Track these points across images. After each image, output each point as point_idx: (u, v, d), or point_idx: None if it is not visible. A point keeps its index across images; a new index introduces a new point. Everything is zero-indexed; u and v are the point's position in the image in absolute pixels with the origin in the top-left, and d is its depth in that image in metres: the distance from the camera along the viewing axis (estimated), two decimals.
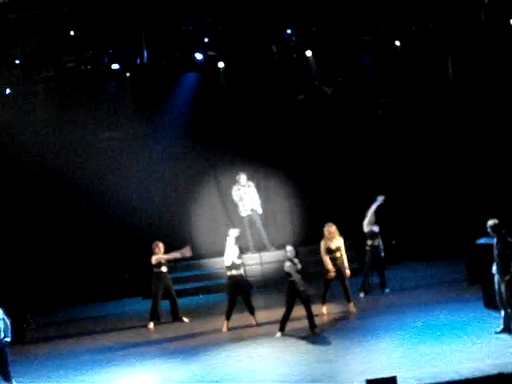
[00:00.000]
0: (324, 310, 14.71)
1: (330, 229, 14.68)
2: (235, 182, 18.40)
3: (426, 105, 18.38)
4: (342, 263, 14.66)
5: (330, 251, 14.63)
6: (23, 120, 17.44)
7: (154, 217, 18.70)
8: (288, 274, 13.40)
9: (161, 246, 15.57)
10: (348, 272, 14.69)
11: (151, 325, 15.50)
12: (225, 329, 14.41)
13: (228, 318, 14.42)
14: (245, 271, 14.53)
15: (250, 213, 18.40)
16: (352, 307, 14.65)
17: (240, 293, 14.43)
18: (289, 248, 13.61)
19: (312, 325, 13.43)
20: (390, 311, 14.35)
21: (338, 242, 14.68)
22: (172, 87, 18.80)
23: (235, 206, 18.90)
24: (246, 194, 18.36)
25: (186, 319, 15.61)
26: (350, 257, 15.53)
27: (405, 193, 18.67)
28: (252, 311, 14.55)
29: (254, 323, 14.51)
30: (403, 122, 18.76)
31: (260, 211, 18.48)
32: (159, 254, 15.48)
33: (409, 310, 14.14)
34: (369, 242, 15.91)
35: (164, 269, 15.54)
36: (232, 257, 14.31)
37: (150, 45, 16.22)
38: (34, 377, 12.94)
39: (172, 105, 18.94)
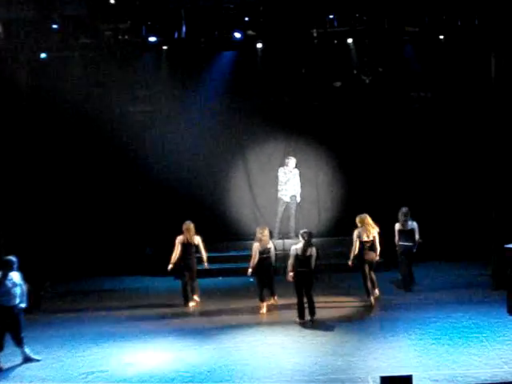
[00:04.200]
0: (372, 300, 14.54)
1: (365, 219, 14.56)
2: (283, 164, 18.20)
3: (464, 102, 18.02)
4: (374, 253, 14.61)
5: (362, 242, 14.53)
6: (56, 86, 17.28)
7: (180, 195, 18.51)
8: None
9: (192, 227, 15.19)
10: (377, 257, 14.63)
11: (192, 303, 15.34)
12: (263, 310, 14.40)
13: (262, 299, 14.46)
14: (272, 257, 14.58)
15: (288, 200, 18.17)
16: (372, 300, 14.51)
17: (265, 277, 14.50)
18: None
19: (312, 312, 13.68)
20: (411, 309, 14.15)
21: (372, 233, 14.57)
22: (208, 64, 18.54)
23: (261, 189, 18.72)
24: (290, 180, 18.13)
25: (193, 302, 15.40)
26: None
27: (435, 190, 18.34)
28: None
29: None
30: (440, 117, 18.40)
31: (299, 199, 18.29)
32: (192, 236, 15.11)
33: (431, 309, 13.94)
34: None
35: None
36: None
37: (189, 20, 15.95)
38: (46, 345, 12.94)
39: (207, 82, 18.68)
